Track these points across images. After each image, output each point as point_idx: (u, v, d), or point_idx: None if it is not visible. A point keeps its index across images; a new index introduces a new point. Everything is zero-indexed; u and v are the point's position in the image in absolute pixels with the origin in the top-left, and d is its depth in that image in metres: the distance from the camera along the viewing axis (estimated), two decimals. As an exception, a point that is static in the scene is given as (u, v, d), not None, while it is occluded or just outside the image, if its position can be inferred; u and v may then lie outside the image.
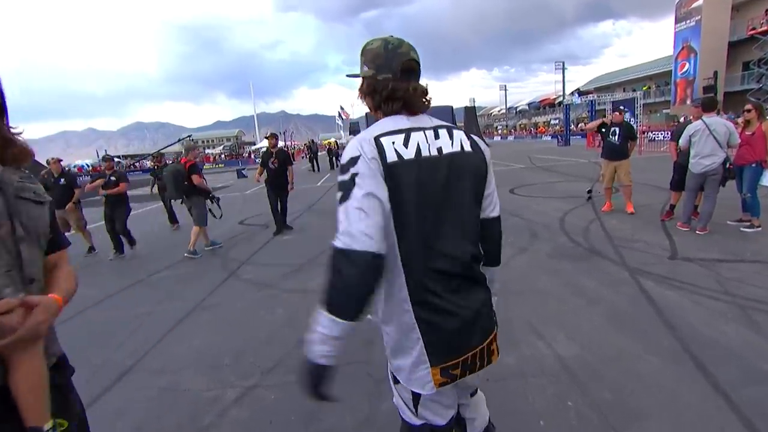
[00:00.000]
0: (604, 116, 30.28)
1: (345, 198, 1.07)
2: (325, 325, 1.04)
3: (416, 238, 1.14)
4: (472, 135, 1.30)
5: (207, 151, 68.81)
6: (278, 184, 7.13)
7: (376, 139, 1.13)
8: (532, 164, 16.55)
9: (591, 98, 28.52)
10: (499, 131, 67.52)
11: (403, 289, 1.16)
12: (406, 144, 1.14)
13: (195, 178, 6.01)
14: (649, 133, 25.19)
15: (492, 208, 1.34)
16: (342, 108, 74.80)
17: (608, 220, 6.30)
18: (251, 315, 3.77)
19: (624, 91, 42.65)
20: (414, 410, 1.30)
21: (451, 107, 37.59)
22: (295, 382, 2.59)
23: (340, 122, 74.66)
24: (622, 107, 10.28)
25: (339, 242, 1.04)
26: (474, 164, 1.25)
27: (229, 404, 2.46)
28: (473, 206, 1.26)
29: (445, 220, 1.17)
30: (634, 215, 6.44)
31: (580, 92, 59.50)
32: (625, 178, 6.66)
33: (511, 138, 55.41)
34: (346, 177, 1.09)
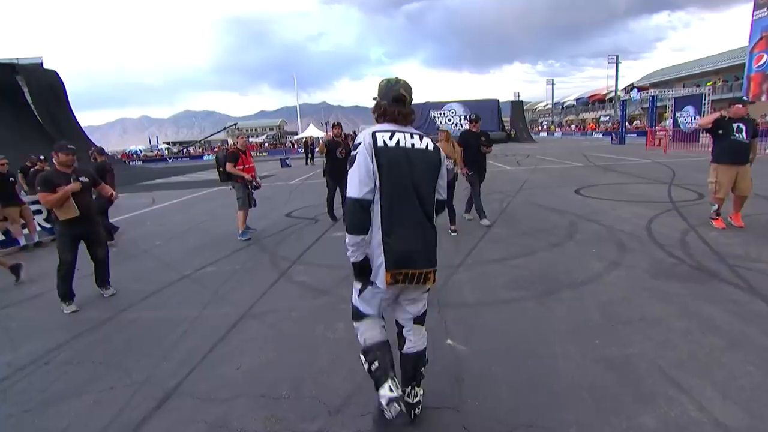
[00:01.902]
0: (665, 113, 27.87)
1: (350, 165, 1.91)
2: (348, 239, 1.94)
3: (388, 192, 1.89)
4: (432, 140, 2.05)
5: (251, 139, 70.23)
6: (341, 173, 6.93)
7: (374, 133, 1.93)
8: (590, 163, 15.38)
9: (652, 93, 26.43)
10: (544, 127, 64.79)
11: (377, 222, 1.91)
12: (390, 138, 1.93)
13: (228, 166, 6.37)
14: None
15: (440, 192, 2.09)
16: (383, 100, 74.10)
17: (707, 231, 5.41)
18: (308, 329, 3.30)
19: (684, 86, 39.51)
20: (355, 297, 2.14)
21: (497, 101, 36.71)
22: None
23: (380, 114, 74.06)
24: (745, 98, 9.07)
25: (348, 191, 1.91)
26: (432, 158, 2.01)
27: (292, 456, 1.98)
28: (430, 183, 2.01)
29: (408, 186, 1.92)
30: (740, 228, 5.50)
31: (638, 88, 56.00)
32: (749, 186, 5.47)
33: (558, 134, 53.00)
34: (354, 153, 1.92)
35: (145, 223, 8.69)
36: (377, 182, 1.88)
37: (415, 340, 2.17)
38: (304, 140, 38.98)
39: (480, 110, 42.14)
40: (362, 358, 2.08)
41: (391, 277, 1.91)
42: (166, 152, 49.33)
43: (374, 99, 2.05)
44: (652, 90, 28.24)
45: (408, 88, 2.02)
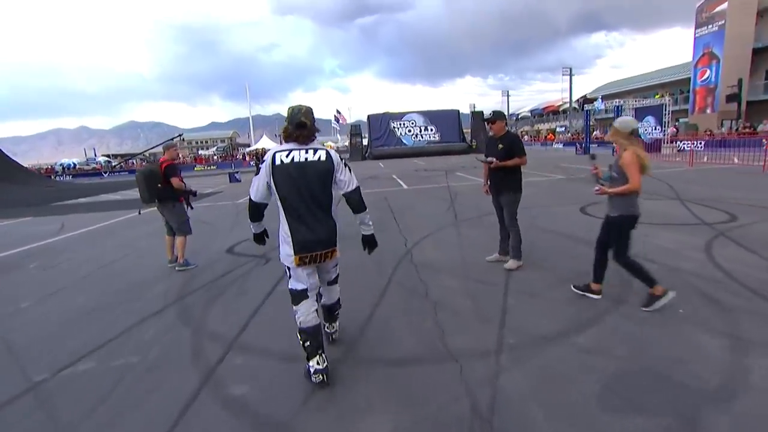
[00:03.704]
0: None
1: (255, 174, 2.58)
2: (251, 224, 2.77)
3: (286, 198, 2.51)
4: (328, 150, 2.61)
5: (200, 152, 66.23)
6: None
7: (274, 154, 2.53)
8: (572, 175, 14.35)
9: (617, 103, 26.49)
10: (502, 138, 65.52)
11: (284, 219, 2.55)
12: (287, 156, 2.51)
13: (174, 181, 5.23)
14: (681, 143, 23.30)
15: (347, 187, 2.65)
16: (339, 112, 72.61)
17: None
18: None
19: (635, 100, 40.79)
20: (288, 281, 2.70)
21: (458, 111, 37.23)
22: None
23: (336, 126, 72.49)
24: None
25: (250, 192, 2.62)
26: (324, 166, 2.54)
27: None
28: (320, 186, 2.54)
29: (301, 191, 2.50)
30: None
31: (587, 99, 57.68)
32: None
33: (516, 145, 53.38)
34: (260, 166, 2.56)
35: (28, 264, 6.36)
36: (275, 191, 2.54)
37: (328, 295, 2.97)
38: (255, 151, 36.36)
39: (440, 121, 41.45)
40: (298, 335, 2.66)
41: (300, 260, 2.55)
42: (102, 166, 44.93)
43: (285, 121, 2.62)
44: (617, 100, 28.38)
45: (308, 115, 2.58)
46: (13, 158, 33.24)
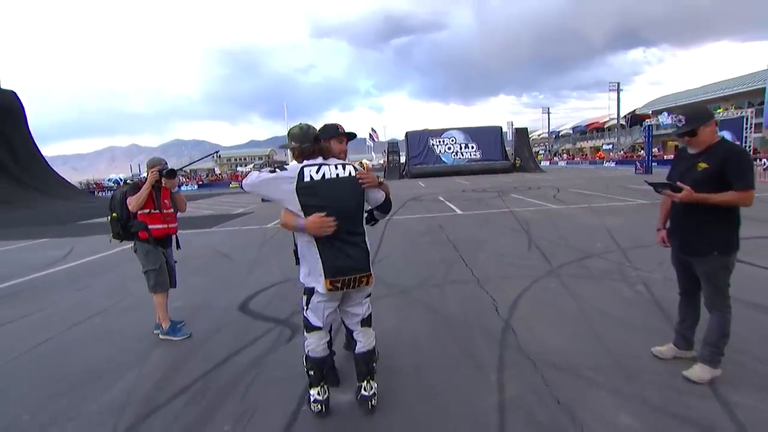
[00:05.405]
0: (672, 141, 25.00)
1: (272, 171, 2.32)
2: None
3: None
4: (354, 165, 2.42)
5: (239, 168, 67.13)
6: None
7: (301, 168, 2.27)
8: (656, 199, 11.98)
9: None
10: (545, 155, 62.51)
11: (311, 241, 2.26)
12: (317, 171, 2.28)
13: (129, 201, 3.57)
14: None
15: (376, 201, 2.50)
16: (373, 130, 72.02)
17: None
18: None
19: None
20: (305, 308, 2.42)
21: (500, 128, 36.19)
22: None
23: (371, 144, 71.73)
24: None
25: (244, 182, 2.36)
26: (352, 181, 2.34)
27: None
28: (353, 201, 2.34)
29: (334, 210, 2.22)
30: None
31: (637, 115, 54.25)
32: None
33: (562, 163, 50.39)
34: (278, 173, 2.29)
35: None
36: (301, 211, 2.24)
37: (364, 340, 2.48)
38: (276, 165, 35.53)
39: (482, 138, 39.33)
40: (304, 361, 2.48)
41: (330, 284, 2.25)
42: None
43: (291, 148, 2.39)
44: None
45: (315, 131, 2.45)
46: (75, 173, 34.27)
